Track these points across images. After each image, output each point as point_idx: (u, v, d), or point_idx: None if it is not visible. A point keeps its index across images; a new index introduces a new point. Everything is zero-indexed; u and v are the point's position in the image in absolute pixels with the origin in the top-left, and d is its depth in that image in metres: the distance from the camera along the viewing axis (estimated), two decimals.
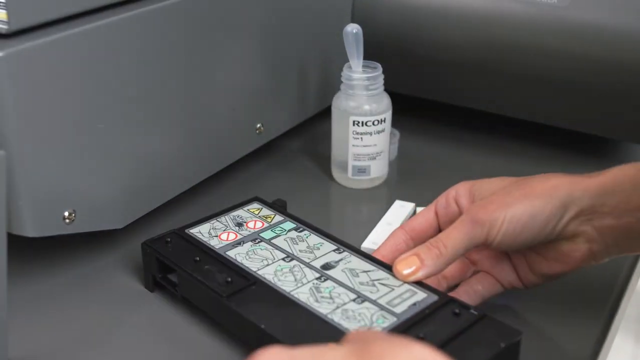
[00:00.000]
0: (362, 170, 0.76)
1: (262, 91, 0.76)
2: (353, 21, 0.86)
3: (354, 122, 0.74)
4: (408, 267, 0.54)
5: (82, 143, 0.58)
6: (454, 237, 0.53)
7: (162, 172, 0.67)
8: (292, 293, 0.54)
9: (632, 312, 0.67)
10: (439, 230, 0.59)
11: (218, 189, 0.76)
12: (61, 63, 0.55)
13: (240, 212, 0.65)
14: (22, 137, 0.53)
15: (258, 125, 0.77)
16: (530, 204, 0.53)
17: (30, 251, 0.66)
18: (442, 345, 0.49)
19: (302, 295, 0.54)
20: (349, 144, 0.75)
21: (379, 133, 0.75)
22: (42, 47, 0.53)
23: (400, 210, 0.72)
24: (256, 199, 0.67)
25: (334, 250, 0.59)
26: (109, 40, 0.58)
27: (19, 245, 0.65)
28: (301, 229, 0.63)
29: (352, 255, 0.59)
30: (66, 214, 0.58)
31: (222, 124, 0.72)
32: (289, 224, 0.63)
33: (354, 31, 0.73)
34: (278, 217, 0.64)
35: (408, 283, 0.55)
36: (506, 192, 0.55)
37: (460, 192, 0.58)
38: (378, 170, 0.77)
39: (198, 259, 0.58)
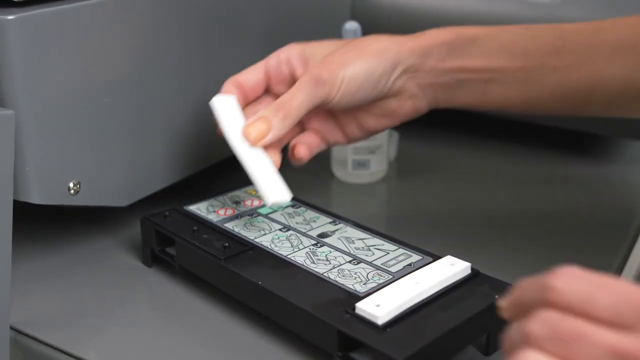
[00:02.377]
0: (362, 164, 0.77)
1: None
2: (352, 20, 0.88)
3: None
4: (257, 130, 0.57)
5: (88, 116, 0.59)
6: (299, 99, 0.57)
7: (165, 156, 0.67)
8: (288, 257, 0.55)
9: None
10: (267, 88, 0.63)
11: (220, 180, 0.77)
12: (70, 33, 0.56)
13: (237, 193, 0.66)
14: (30, 101, 0.55)
15: None
16: (366, 63, 0.58)
17: (34, 230, 0.67)
18: (436, 297, 0.49)
19: (299, 258, 0.55)
20: None
21: None
22: (51, 15, 0.55)
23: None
24: None
25: (330, 223, 0.60)
26: (117, 17, 0.60)
27: (24, 224, 0.66)
28: (298, 205, 0.63)
29: (348, 226, 0.60)
30: (71, 184, 0.59)
31: None
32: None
33: (353, 28, 0.75)
34: None
35: (403, 247, 0.56)
36: (342, 52, 0.59)
37: (292, 54, 0.61)
38: (377, 164, 0.78)
39: (196, 229, 0.59)
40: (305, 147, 0.62)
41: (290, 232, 0.59)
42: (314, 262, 0.54)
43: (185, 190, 0.73)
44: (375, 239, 0.57)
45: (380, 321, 0.46)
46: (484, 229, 0.69)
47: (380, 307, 0.47)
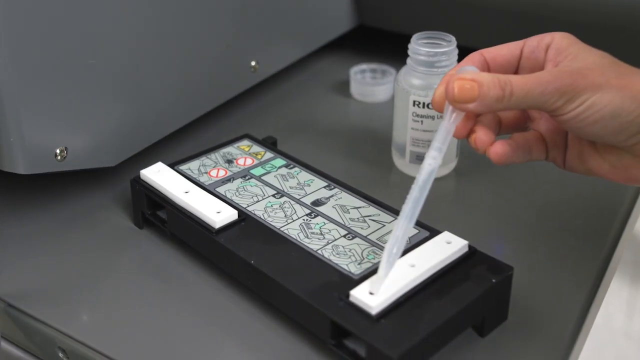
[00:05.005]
0: (421, 158, 0.66)
1: (256, 26, 0.74)
2: None
3: (414, 102, 0.64)
4: (463, 91, 0.47)
5: (74, 79, 0.57)
6: (527, 89, 0.47)
7: (154, 110, 0.66)
8: (282, 229, 0.54)
9: (628, 257, 0.66)
10: (515, 71, 0.53)
11: (210, 129, 0.75)
12: None
13: (230, 149, 0.64)
14: (12, 70, 0.52)
15: (253, 63, 0.75)
16: (620, 100, 0.46)
17: (21, 190, 0.66)
18: (434, 279, 0.48)
19: (292, 231, 0.54)
20: (408, 126, 0.66)
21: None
22: None
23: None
24: (246, 136, 0.66)
25: (324, 187, 0.59)
26: None
27: (9, 183, 0.65)
28: (292, 165, 0.62)
29: (343, 192, 0.58)
30: (58, 151, 0.58)
31: (215, 62, 0.71)
32: (280, 161, 0.62)
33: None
34: (268, 154, 0.63)
35: (392, 214, 0.55)
36: (602, 71, 0.47)
37: (555, 43, 0.51)
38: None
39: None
40: (506, 148, 0.50)
41: (284, 198, 0.57)
42: (307, 237, 0.53)
43: (176, 142, 0.71)
44: (370, 207, 0.56)
45: (374, 311, 0.46)
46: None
47: (375, 295, 0.46)
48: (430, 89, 0.64)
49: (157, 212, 0.60)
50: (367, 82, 0.82)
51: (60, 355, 0.53)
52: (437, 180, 0.66)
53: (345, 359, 0.47)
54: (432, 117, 0.64)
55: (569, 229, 0.61)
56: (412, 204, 0.47)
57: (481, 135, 0.50)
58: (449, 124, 0.49)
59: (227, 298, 0.54)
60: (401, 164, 0.69)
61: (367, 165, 0.71)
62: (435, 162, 0.48)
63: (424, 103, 0.64)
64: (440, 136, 0.49)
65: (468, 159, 0.70)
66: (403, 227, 0.47)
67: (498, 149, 0.50)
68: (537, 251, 0.59)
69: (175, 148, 0.71)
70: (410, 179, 0.67)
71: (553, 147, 0.53)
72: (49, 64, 0.55)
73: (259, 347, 0.50)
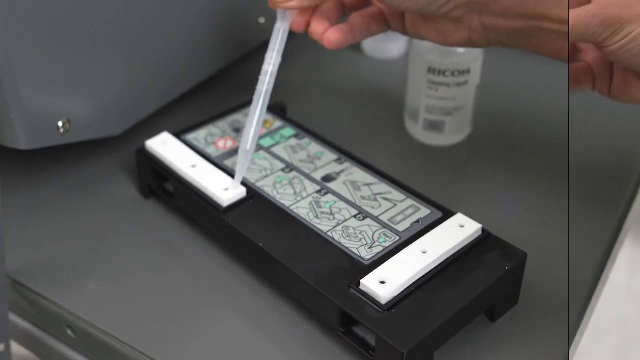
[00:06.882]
0: (434, 126, 0.65)
1: None
2: None
3: (429, 69, 0.63)
4: None
5: (74, 49, 0.55)
6: (572, 23, 0.47)
7: (157, 75, 0.63)
8: (291, 208, 0.53)
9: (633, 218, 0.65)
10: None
11: (216, 90, 0.73)
12: None
13: (238, 117, 0.62)
14: (11, 43, 0.51)
15: (261, 21, 0.73)
16: None
17: (24, 159, 0.64)
18: (446, 266, 0.47)
19: (302, 210, 0.52)
20: (422, 93, 0.64)
21: (459, 85, 0.63)
22: None
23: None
24: None
25: (335, 161, 0.57)
26: None
27: (12, 152, 0.63)
28: (302, 135, 0.60)
29: (353, 166, 0.57)
30: (60, 124, 0.56)
31: (221, 20, 0.68)
32: (289, 130, 0.61)
33: None
34: (277, 123, 0.62)
35: (411, 197, 0.53)
36: None
37: None
38: (455, 128, 0.65)
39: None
40: (337, 34, 0.54)
41: (293, 173, 0.56)
42: (317, 217, 0.52)
43: (182, 104, 0.70)
44: (382, 184, 0.55)
45: (384, 301, 0.45)
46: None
47: (385, 284, 0.45)
48: (446, 56, 0.61)
49: (163, 184, 0.58)
50: (380, 38, 0.80)
51: (69, 332, 0.52)
52: (450, 148, 0.66)
53: (355, 347, 0.46)
54: (448, 85, 0.62)
55: (580, 200, 0.60)
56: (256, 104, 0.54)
57: (315, 27, 0.54)
58: (281, 23, 0.53)
59: (235, 275, 0.53)
60: (414, 130, 0.67)
61: (378, 130, 0.69)
62: (274, 67, 0.54)
63: (439, 70, 0.62)
64: (275, 36, 0.53)
65: (482, 128, 0.68)
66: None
67: (330, 36, 0.54)
68: (548, 223, 0.58)
69: (181, 111, 0.69)
70: (423, 146, 0.67)
71: (600, 76, 0.54)
72: (47, 34, 0.53)
73: (267, 326, 0.50)
